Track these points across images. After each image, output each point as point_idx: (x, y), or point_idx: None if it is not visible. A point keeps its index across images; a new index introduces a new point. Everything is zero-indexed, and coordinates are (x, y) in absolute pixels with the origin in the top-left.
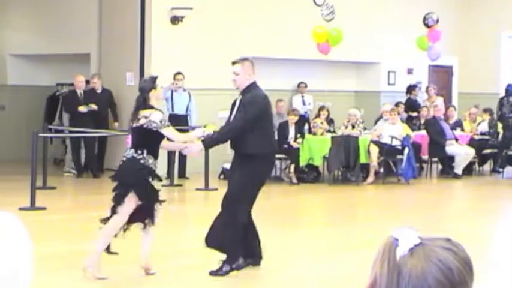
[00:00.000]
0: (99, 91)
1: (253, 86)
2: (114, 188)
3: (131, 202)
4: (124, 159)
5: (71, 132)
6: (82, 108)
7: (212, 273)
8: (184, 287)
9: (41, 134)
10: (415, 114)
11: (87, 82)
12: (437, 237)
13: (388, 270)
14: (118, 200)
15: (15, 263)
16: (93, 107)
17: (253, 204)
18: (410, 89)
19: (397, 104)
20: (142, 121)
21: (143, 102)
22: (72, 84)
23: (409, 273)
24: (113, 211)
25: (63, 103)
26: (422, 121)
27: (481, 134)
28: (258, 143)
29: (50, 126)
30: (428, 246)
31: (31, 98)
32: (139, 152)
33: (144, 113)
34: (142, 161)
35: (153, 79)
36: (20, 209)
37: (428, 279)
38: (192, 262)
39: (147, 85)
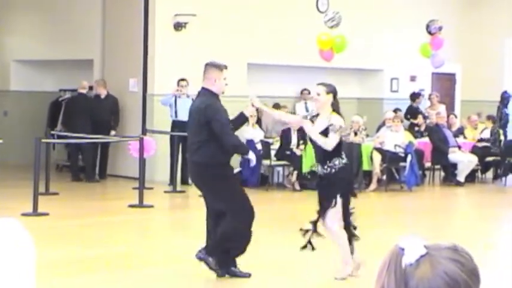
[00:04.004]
0: (103, 97)
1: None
2: None
3: None
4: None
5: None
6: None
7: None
8: None
9: (43, 140)
10: (417, 121)
11: (91, 88)
12: (444, 246)
13: (395, 282)
14: None
15: (18, 267)
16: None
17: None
18: (414, 96)
19: (395, 110)
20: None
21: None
22: (75, 90)
23: (415, 286)
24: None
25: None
26: (422, 128)
27: (481, 140)
28: None
29: (52, 132)
30: (434, 257)
31: (34, 104)
32: None
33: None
34: None
35: None
36: (23, 214)
37: None
38: (193, 268)
39: None
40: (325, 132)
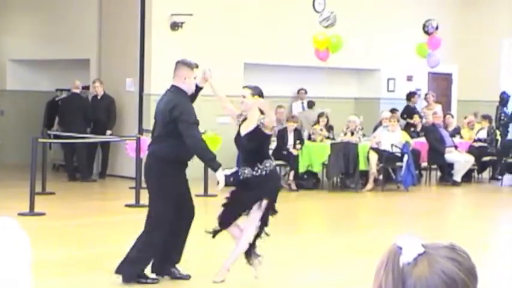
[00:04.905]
0: (99, 97)
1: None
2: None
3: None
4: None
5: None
6: None
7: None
8: None
9: (40, 140)
10: (413, 121)
11: (85, 88)
12: (441, 245)
13: (393, 281)
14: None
15: (14, 265)
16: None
17: None
18: (410, 96)
19: (392, 110)
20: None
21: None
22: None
23: (413, 285)
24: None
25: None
26: (418, 128)
27: (479, 140)
28: None
29: (49, 132)
30: (432, 256)
31: (30, 104)
32: None
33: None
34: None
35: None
36: (19, 214)
37: None
38: (189, 267)
39: None
40: (254, 132)
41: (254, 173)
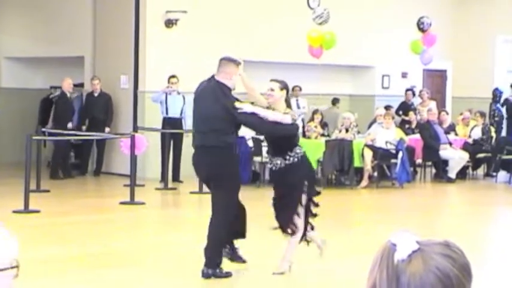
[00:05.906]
0: (96, 94)
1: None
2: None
3: None
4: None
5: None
6: None
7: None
8: None
9: (34, 137)
10: (408, 118)
11: (77, 85)
12: (436, 242)
13: (387, 277)
14: None
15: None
16: None
17: None
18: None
19: (386, 107)
20: None
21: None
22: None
23: (407, 282)
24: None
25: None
26: (413, 125)
27: (474, 141)
28: None
29: (43, 129)
30: (426, 252)
31: (25, 101)
32: None
33: None
34: None
35: None
36: (14, 211)
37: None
38: (185, 266)
39: None
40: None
41: (286, 161)
